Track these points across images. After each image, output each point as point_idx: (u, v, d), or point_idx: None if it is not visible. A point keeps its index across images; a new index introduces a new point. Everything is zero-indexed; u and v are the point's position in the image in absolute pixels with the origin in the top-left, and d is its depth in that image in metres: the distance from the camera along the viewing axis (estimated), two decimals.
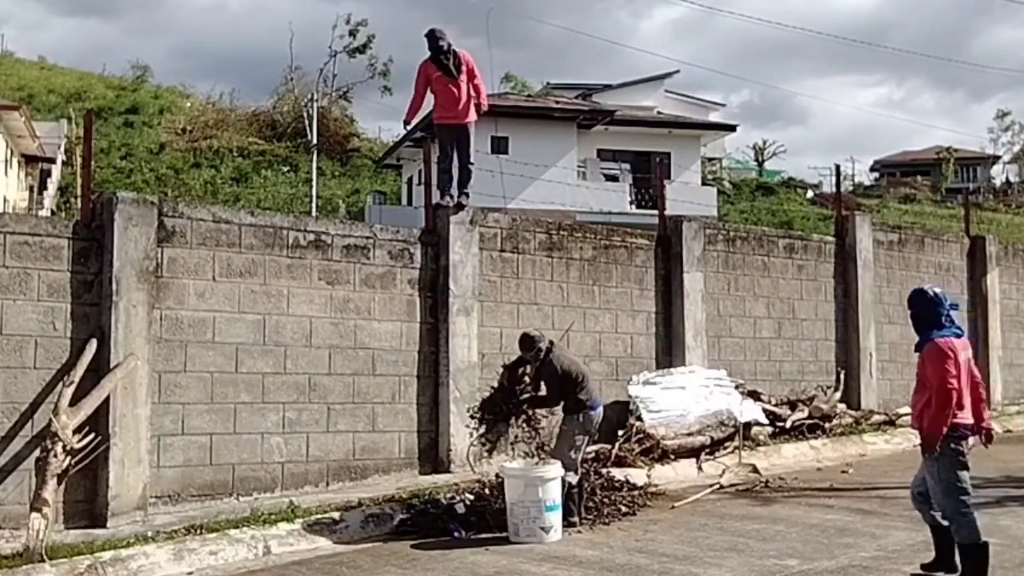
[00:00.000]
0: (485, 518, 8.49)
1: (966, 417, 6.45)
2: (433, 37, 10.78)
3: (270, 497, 9.09)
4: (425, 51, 10.88)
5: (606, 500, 9.06)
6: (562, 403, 8.69)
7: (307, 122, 41.07)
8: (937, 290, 6.68)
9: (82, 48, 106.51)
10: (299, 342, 9.64)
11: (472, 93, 10.93)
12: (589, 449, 9.30)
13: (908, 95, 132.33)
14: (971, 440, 6.50)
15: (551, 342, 8.85)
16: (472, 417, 9.04)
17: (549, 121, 33.99)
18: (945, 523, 6.60)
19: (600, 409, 8.81)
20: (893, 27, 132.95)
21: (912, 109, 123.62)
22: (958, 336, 6.53)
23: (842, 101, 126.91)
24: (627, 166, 36.49)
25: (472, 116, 11.01)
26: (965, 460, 6.43)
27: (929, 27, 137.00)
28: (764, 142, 65.09)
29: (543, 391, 8.85)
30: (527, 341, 8.78)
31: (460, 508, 8.64)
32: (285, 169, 43.02)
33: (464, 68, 10.85)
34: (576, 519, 8.47)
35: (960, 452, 6.41)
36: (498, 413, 8.79)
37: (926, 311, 6.59)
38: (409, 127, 11.82)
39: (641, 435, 10.94)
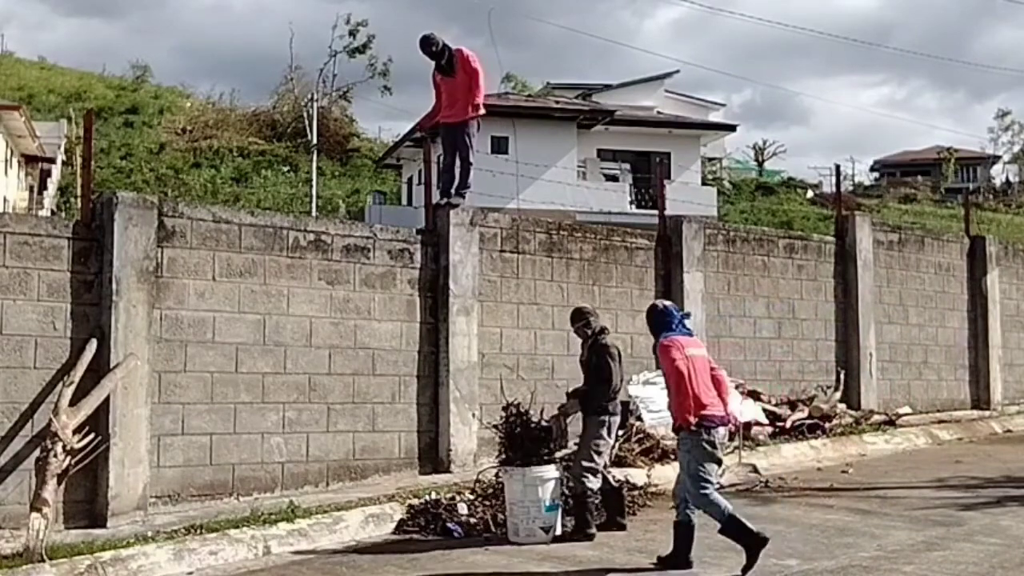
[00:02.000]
0: (485, 518, 8.49)
1: (714, 410, 6.96)
2: (424, 43, 10.79)
3: (270, 497, 9.09)
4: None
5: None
6: (587, 405, 8.33)
7: (307, 122, 41.10)
8: (667, 304, 7.64)
9: (84, 48, 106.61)
10: (299, 342, 9.63)
11: (471, 90, 10.85)
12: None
13: (910, 95, 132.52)
14: (722, 431, 6.99)
15: (603, 328, 8.56)
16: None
17: (549, 121, 34.00)
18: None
19: (621, 413, 8.57)
20: (895, 27, 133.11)
21: (914, 109, 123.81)
22: (687, 336, 7.24)
23: (844, 101, 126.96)
24: (627, 166, 36.51)
25: (468, 114, 10.88)
26: (714, 452, 6.95)
27: (931, 27, 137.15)
28: (764, 142, 65.16)
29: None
30: (577, 314, 8.54)
31: (460, 508, 8.64)
32: (285, 169, 43.03)
33: (459, 65, 10.80)
34: (593, 531, 8.07)
35: (711, 443, 6.92)
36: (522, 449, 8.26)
37: (658, 321, 7.40)
38: (422, 132, 11.78)
39: (641, 435, 10.93)
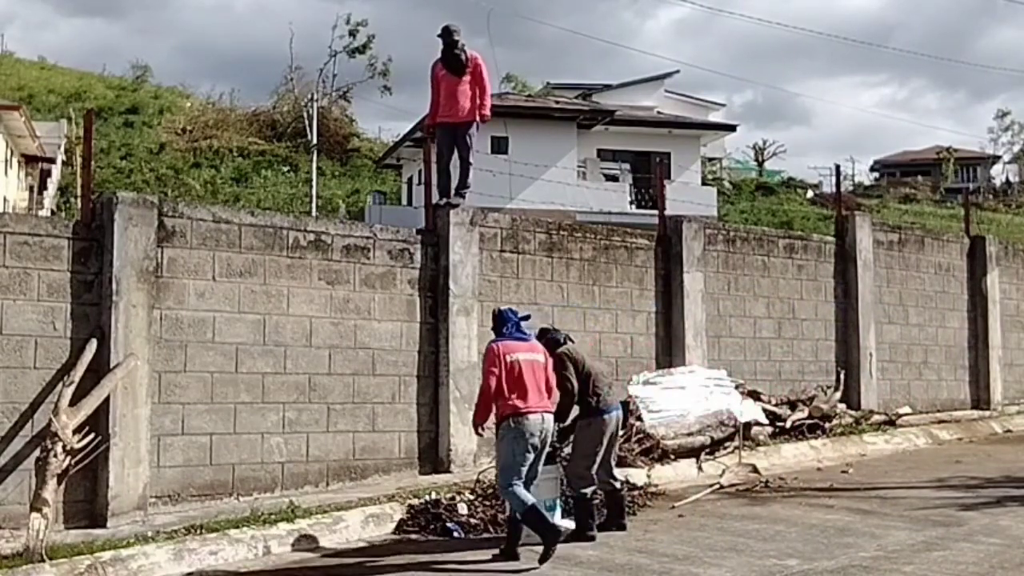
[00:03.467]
0: (485, 518, 8.49)
1: (525, 405, 7.51)
2: (447, 32, 10.82)
3: (270, 497, 9.09)
4: (436, 52, 10.95)
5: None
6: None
7: (307, 122, 41.06)
8: (504, 309, 8.15)
9: (85, 48, 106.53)
10: (299, 342, 9.63)
11: (477, 95, 10.88)
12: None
13: (911, 95, 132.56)
14: (531, 419, 7.48)
15: (567, 337, 8.61)
16: None
17: (549, 121, 33.99)
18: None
19: (615, 413, 8.38)
20: (897, 28, 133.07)
21: (915, 109, 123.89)
22: (519, 340, 7.79)
23: (845, 101, 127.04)
24: (627, 166, 36.51)
25: (473, 116, 10.94)
26: (525, 441, 7.48)
27: (932, 28, 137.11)
28: (764, 142, 65.15)
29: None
30: (541, 332, 8.53)
31: (460, 508, 8.64)
32: (285, 169, 42.99)
33: (470, 69, 10.82)
34: (593, 532, 8.05)
35: (519, 433, 7.47)
36: None
37: (494, 325, 8.01)
38: (428, 132, 11.69)
39: (641, 435, 10.93)
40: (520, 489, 7.46)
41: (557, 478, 8.18)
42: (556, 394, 7.95)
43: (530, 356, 7.76)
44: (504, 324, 7.90)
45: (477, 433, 8.04)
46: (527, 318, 8.06)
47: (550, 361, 7.94)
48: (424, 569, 7.31)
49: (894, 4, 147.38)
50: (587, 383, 8.28)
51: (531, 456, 7.53)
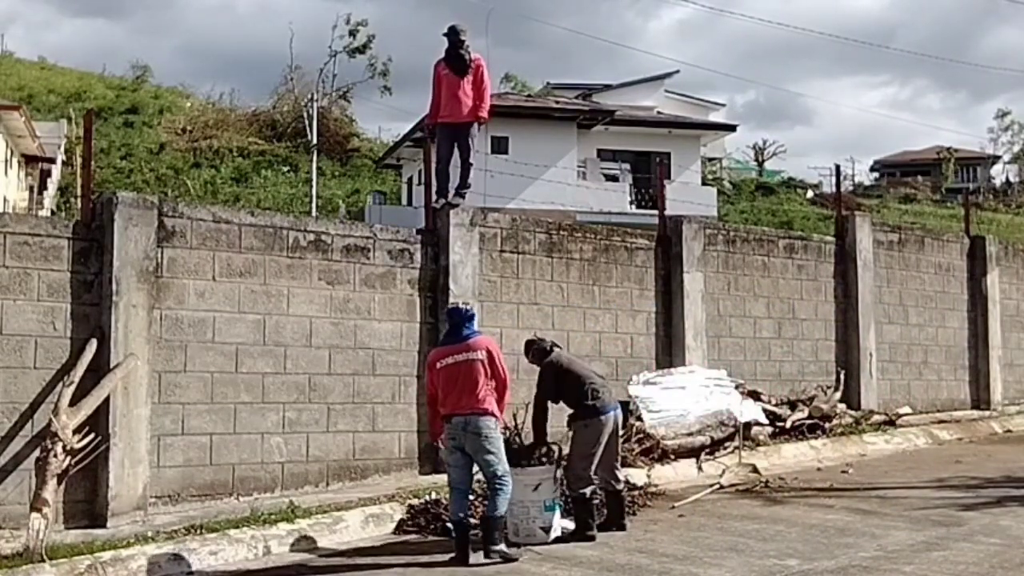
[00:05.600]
0: None
1: (448, 410, 7.64)
2: (454, 31, 10.83)
3: (270, 497, 9.09)
4: (438, 52, 10.97)
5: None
6: (571, 411, 8.39)
7: (307, 122, 41.06)
8: (450, 308, 8.45)
9: (87, 48, 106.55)
10: (299, 342, 9.63)
11: (476, 97, 10.90)
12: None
13: (913, 95, 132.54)
14: (454, 420, 7.59)
15: (553, 344, 8.71)
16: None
17: (549, 121, 34.00)
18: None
19: (612, 413, 8.35)
20: (899, 28, 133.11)
21: (917, 109, 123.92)
22: (452, 343, 7.76)
23: (847, 102, 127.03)
24: (627, 166, 36.53)
25: (474, 117, 10.96)
26: (450, 443, 7.64)
27: (934, 28, 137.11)
28: (764, 142, 65.18)
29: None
30: (527, 345, 8.77)
31: None
32: (285, 169, 43.00)
33: (473, 70, 10.84)
34: (593, 532, 8.05)
35: (446, 438, 7.68)
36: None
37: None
38: (429, 129, 11.71)
39: (641, 435, 10.93)
40: (455, 496, 7.67)
41: (557, 478, 8.18)
42: (508, 389, 7.79)
43: (459, 358, 7.62)
44: (447, 327, 8.02)
45: (434, 445, 8.50)
46: (467, 310, 8.02)
47: (495, 353, 7.70)
48: (424, 569, 7.31)
49: (896, 4, 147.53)
50: (577, 387, 8.32)
51: (458, 456, 7.58)
